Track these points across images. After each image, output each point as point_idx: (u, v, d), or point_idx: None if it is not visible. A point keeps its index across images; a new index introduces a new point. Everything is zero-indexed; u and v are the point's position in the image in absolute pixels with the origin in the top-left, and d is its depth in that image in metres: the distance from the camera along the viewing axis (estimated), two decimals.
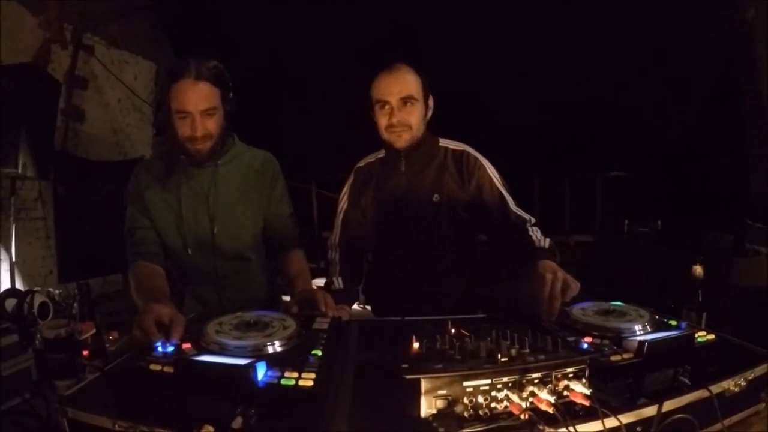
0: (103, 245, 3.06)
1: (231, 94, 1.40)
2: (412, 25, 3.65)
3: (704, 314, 1.19)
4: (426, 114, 1.51)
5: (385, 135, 1.49)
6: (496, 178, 1.49)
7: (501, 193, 1.47)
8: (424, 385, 0.68)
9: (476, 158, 1.52)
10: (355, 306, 1.62)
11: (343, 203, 1.63)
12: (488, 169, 1.50)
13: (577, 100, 3.83)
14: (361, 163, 1.66)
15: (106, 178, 3.30)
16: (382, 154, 1.61)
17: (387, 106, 1.45)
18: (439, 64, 3.71)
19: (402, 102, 1.43)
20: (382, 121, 1.47)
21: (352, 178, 1.64)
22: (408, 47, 3.56)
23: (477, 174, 1.49)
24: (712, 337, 0.93)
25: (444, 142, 1.57)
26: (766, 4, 2.97)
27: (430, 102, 1.52)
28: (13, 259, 2.53)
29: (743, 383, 0.80)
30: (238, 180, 1.48)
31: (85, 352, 0.95)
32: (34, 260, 2.96)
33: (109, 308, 2.66)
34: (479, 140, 1.61)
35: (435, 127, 1.60)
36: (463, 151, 1.54)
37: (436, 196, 1.49)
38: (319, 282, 2.12)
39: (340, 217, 1.62)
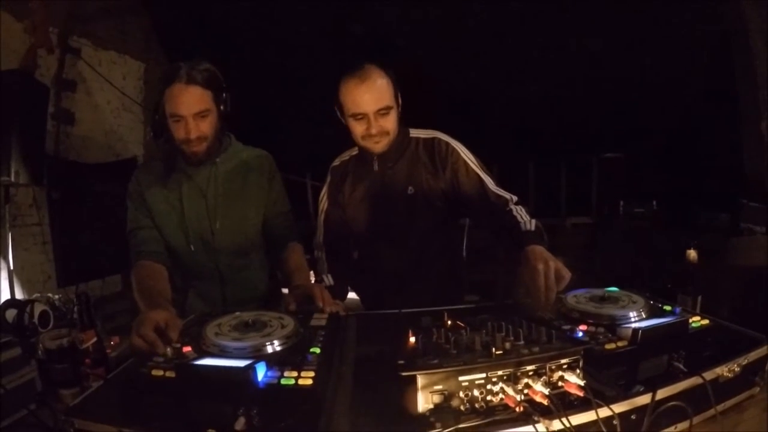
0: (100, 247, 3.06)
1: (225, 95, 1.40)
2: (408, 11, 3.61)
3: (699, 299, 1.20)
4: (398, 113, 1.46)
5: (362, 143, 1.45)
6: (471, 161, 1.45)
7: (478, 175, 1.44)
8: (420, 381, 0.69)
9: (447, 144, 1.48)
10: (351, 294, 1.64)
11: (324, 203, 1.62)
12: (462, 153, 1.46)
13: (572, 82, 3.81)
14: (336, 162, 1.64)
15: (99, 179, 3.29)
16: (355, 151, 1.58)
17: (363, 118, 1.40)
18: (435, 50, 3.70)
19: (379, 113, 1.39)
20: (358, 130, 1.42)
21: (329, 177, 1.63)
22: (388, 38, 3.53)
23: (450, 160, 1.46)
24: (706, 322, 0.94)
25: (415, 132, 1.54)
26: None
27: (399, 99, 1.45)
28: (11, 267, 2.53)
29: (737, 369, 0.80)
30: (236, 178, 1.49)
31: (87, 361, 0.96)
32: (32, 266, 2.96)
33: (110, 310, 2.67)
34: (474, 126, 1.59)
35: (430, 115, 1.56)
36: (434, 139, 1.50)
37: (410, 188, 1.48)
38: None
39: (321, 216, 1.62)
